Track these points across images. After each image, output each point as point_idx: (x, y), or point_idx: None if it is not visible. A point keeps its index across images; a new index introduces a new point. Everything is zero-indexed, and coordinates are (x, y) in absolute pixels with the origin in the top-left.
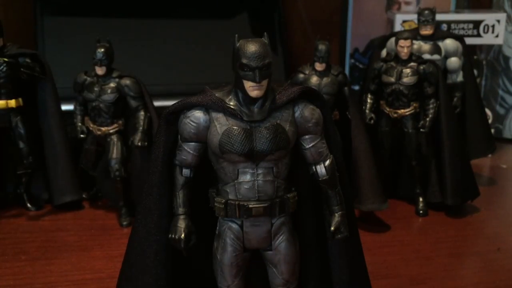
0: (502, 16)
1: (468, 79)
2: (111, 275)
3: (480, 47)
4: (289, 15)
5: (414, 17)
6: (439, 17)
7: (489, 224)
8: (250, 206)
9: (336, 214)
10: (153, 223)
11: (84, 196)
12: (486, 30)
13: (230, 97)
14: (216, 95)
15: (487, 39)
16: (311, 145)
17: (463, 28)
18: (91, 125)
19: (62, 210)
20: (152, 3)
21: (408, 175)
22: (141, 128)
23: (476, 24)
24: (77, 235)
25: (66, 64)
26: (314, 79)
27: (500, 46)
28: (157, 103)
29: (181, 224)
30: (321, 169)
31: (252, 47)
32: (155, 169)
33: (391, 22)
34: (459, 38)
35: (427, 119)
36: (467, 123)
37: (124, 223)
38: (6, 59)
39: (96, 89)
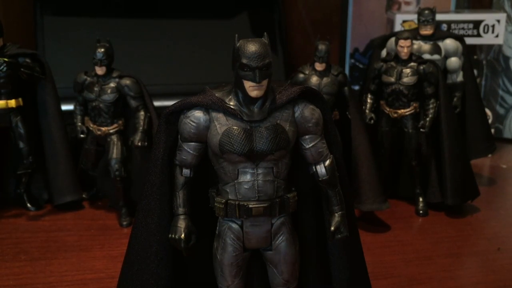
0: (502, 16)
1: (468, 79)
2: (111, 275)
3: (480, 47)
4: (289, 15)
5: (414, 17)
6: (439, 17)
7: (489, 224)
8: (250, 206)
9: (336, 214)
10: (153, 223)
11: (84, 196)
12: (486, 30)
13: (230, 97)
14: (216, 95)
15: (487, 39)
16: (311, 145)
17: (463, 28)
18: (91, 125)
19: (62, 210)
20: (152, 3)
21: (408, 175)
22: (141, 128)
23: (476, 24)
24: (77, 235)
25: (66, 64)
26: (314, 79)
27: (500, 46)
28: (157, 103)
29: (181, 224)
30: (321, 169)
31: (252, 47)
32: (155, 169)
33: (391, 22)
34: (459, 38)
35: (427, 119)
36: (467, 123)
37: (124, 223)
38: (6, 59)
39: (96, 89)
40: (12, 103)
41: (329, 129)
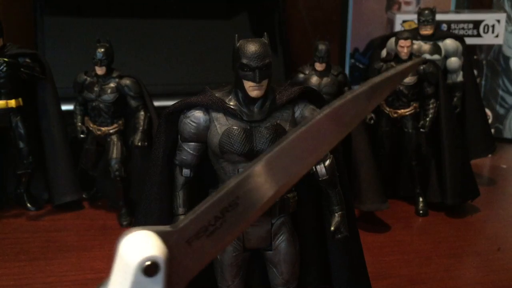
0: (502, 16)
1: (468, 79)
2: None
3: (480, 47)
4: (289, 15)
5: (414, 17)
6: (439, 17)
7: (489, 224)
8: None
9: (336, 214)
10: (153, 223)
11: (84, 196)
12: (486, 30)
13: (230, 97)
14: (216, 95)
15: (487, 39)
16: None
17: (463, 28)
18: (91, 125)
19: (62, 210)
20: (152, 3)
21: (408, 175)
22: (141, 128)
23: (476, 24)
24: (77, 235)
25: (66, 64)
26: (314, 79)
27: (500, 46)
28: (157, 103)
29: None
30: (321, 169)
31: (252, 47)
32: (155, 169)
33: (391, 22)
34: (459, 38)
35: (427, 119)
36: (467, 123)
37: (124, 223)
38: (6, 59)
39: (96, 89)
40: (12, 103)
41: None
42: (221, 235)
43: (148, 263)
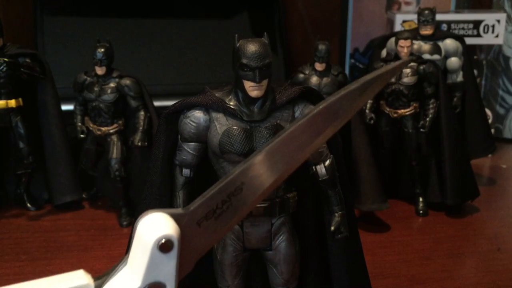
0: (502, 16)
1: (468, 79)
2: None
3: (480, 47)
4: (289, 15)
5: (414, 17)
6: (439, 17)
7: (489, 224)
8: None
9: (336, 214)
10: None
11: (84, 196)
12: (486, 30)
13: (230, 97)
14: (216, 95)
15: (487, 39)
16: None
17: (463, 28)
18: (91, 125)
19: (62, 210)
20: (152, 3)
21: (408, 175)
22: (141, 128)
23: (476, 24)
24: (77, 235)
25: (66, 64)
26: (314, 79)
27: (500, 46)
28: (157, 103)
29: None
30: (321, 169)
31: (252, 47)
32: (155, 169)
33: (391, 22)
34: (459, 38)
35: (427, 119)
36: (467, 123)
37: (124, 223)
38: (6, 59)
39: (96, 89)
40: (12, 103)
41: None
42: (228, 218)
43: (163, 240)
